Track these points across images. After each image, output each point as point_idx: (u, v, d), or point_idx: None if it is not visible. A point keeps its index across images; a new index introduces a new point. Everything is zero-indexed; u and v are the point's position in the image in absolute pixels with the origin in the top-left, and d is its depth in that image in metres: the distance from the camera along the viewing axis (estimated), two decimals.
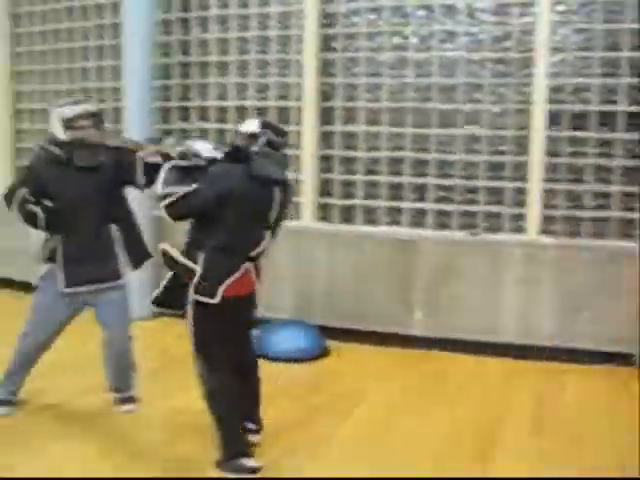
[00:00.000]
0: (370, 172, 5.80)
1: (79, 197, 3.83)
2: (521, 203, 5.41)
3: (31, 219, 3.80)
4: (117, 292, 4.03)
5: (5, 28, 7.39)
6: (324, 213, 5.96)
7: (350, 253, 5.71)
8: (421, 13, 5.58)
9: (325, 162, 5.94)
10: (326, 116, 5.89)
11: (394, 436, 3.91)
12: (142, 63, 6.06)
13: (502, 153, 5.44)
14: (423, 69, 5.58)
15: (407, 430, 3.99)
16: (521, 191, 5.40)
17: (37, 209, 3.78)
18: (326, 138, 5.91)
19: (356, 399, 4.47)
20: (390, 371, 5.07)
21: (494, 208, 5.48)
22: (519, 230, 5.43)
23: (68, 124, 3.78)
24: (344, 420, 4.13)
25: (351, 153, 5.84)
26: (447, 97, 5.55)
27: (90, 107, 3.90)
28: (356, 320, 5.68)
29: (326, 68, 5.86)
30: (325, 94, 5.89)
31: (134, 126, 6.05)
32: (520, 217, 5.42)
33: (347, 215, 5.90)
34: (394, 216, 5.75)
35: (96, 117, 3.86)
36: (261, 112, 6.03)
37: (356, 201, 5.83)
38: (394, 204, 5.73)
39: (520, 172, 5.39)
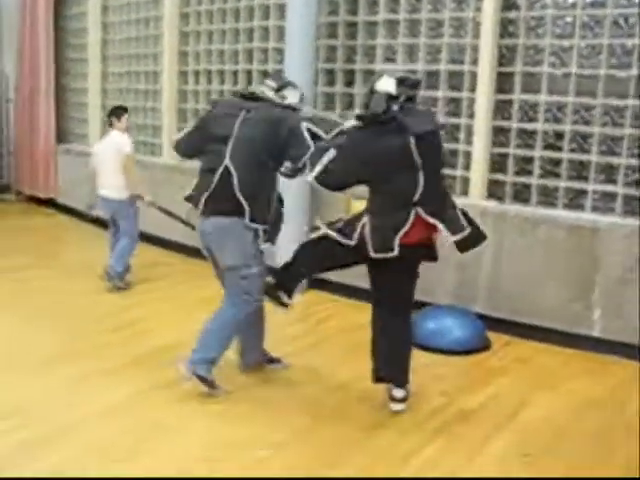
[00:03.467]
0: (550, 147, 5.12)
1: None
2: None
3: None
4: None
5: None
6: (495, 191, 5.36)
7: (522, 237, 5.09)
8: None
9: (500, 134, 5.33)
10: (503, 83, 5.26)
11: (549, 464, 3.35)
12: (306, 21, 5.71)
13: None
14: (621, 30, 4.80)
15: (570, 461, 3.38)
16: None
17: None
18: (502, 108, 5.30)
19: (514, 406, 3.94)
20: (558, 375, 4.46)
21: None
22: None
23: None
24: (496, 432, 3.63)
25: (530, 125, 5.19)
26: None
27: None
28: (523, 313, 5.08)
29: (506, 28, 5.21)
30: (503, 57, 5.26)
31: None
32: None
33: (520, 194, 5.27)
34: (576, 199, 5.05)
35: None
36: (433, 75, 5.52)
37: (532, 179, 5.18)
38: (577, 185, 5.03)
39: None
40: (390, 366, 3.81)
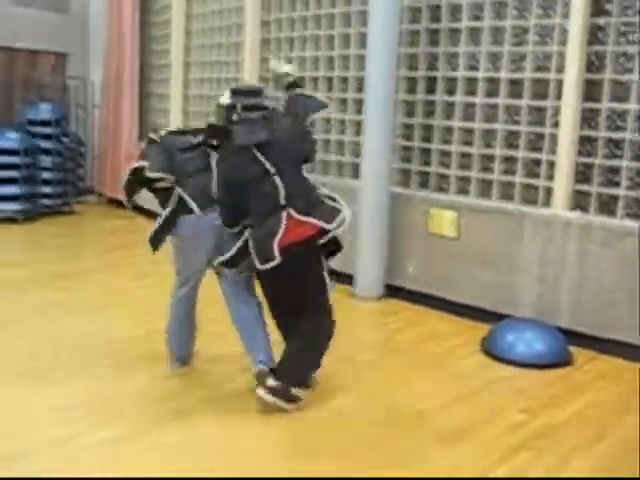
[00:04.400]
0: (639, 157, 4.96)
1: None
2: None
3: None
4: None
5: None
6: (579, 202, 5.22)
7: (607, 250, 4.93)
8: None
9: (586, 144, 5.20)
10: (591, 91, 5.13)
11: None
12: (389, 30, 5.70)
13: None
14: None
15: None
16: None
17: None
18: (589, 116, 5.16)
19: (600, 425, 3.81)
20: None
21: None
22: None
23: None
24: (584, 450, 3.51)
25: (618, 135, 5.03)
26: None
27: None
28: (608, 328, 4.92)
29: (595, 35, 5.08)
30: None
31: (376, 95, 5.76)
32: None
33: (606, 206, 5.11)
34: None
35: None
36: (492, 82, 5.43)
37: (619, 191, 5.02)
38: None
39: None
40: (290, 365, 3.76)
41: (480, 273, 5.52)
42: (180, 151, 4.02)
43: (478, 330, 5.19)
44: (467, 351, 4.91)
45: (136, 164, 4.06)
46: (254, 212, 3.70)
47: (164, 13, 9.35)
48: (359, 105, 6.37)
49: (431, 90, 5.99)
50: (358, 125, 6.45)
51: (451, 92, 5.88)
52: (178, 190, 3.98)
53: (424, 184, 6.11)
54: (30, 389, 3.92)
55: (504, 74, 5.51)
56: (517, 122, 5.49)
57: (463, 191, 5.83)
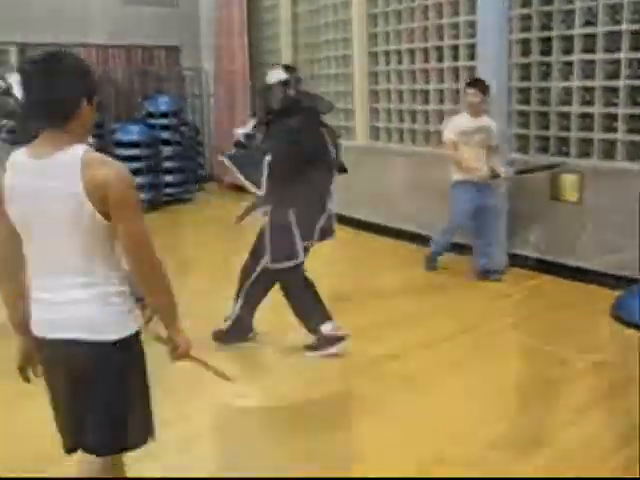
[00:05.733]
0: None
1: None
2: None
3: None
4: None
5: None
6: None
7: None
8: None
9: None
10: None
11: None
12: None
13: None
14: None
15: None
16: None
17: None
18: None
19: None
20: None
21: None
22: None
23: None
24: None
25: None
26: None
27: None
28: None
29: None
30: None
31: (489, 60, 5.61)
32: None
33: None
34: None
35: None
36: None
37: None
38: None
39: None
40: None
41: (606, 237, 5.30)
42: None
43: (606, 296, 5.00)
44: (596, 318, 4.74)
45: None
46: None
47: None
48: (472, 73, 6.22)
49: (546, 51, 5.76)
50: None
51: (568, 51, 5.63)
52: None
53: (543, 149, 5.91)
54: None
55: (625, 26, 5.21)
56: None
57: (585, 153, 5.59)
